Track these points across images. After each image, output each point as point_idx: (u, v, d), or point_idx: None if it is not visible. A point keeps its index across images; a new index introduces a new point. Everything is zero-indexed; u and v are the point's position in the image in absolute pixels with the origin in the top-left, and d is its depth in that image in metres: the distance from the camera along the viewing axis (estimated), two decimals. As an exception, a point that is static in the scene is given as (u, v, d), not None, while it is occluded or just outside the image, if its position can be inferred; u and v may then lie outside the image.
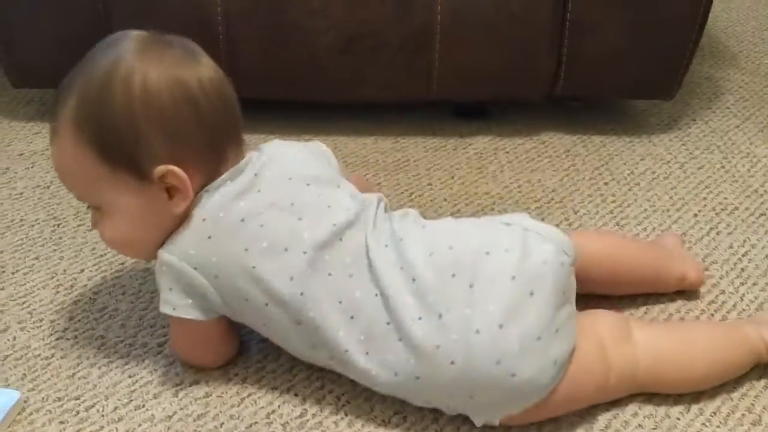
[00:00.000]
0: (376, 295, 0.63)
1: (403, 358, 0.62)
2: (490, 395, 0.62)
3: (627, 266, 0.78)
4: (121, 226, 0.66)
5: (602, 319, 0.69)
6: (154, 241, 0.66)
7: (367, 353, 0.63)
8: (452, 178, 1.04)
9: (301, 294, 0.63)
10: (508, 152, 1.10)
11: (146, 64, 0.63)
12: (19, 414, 0.67)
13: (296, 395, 0.70)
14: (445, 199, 0.99)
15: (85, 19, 1.04)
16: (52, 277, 0.84)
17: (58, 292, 0.82)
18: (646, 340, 0.68)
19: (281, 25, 1.02)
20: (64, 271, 0.85)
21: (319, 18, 1.01)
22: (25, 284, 0.83)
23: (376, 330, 0.63)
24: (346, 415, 0.68)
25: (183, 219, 0.66)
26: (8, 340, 0.76)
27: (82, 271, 0.85)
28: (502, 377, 0.61)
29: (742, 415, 0.68)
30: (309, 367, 0.72)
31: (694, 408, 0.69)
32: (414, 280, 0.63)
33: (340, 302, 0.64)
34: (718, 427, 0.67)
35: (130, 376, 0.72)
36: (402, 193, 1.00)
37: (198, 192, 0.65)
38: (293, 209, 0.66)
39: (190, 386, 0.71)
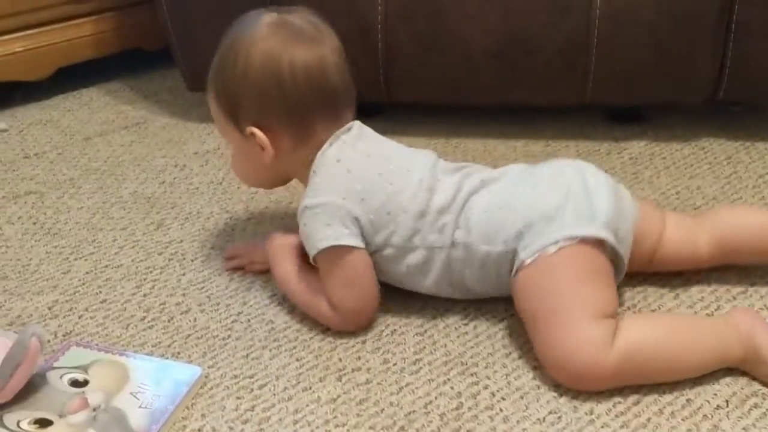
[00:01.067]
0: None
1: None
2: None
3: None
4: (240, 163, 0.85)
5: None
6: (265, 178, 0.85)
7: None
8: (606, 182, 1.03)
9: (430, 196, 0.77)
10: (665, 158, 1.07)
11: (252, 43, 0.77)
12: (201, 388, 0.74)
13: (452, 388, 0.73)
14: (599, 204, 0.98)
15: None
16: (226, 266, 0.92)
17: (232, 279, 0.89)
18: (630, 322, 0.72)
19: (437, 31, 1.06)
20: (237, 260, 0.92)
21: (475, 24, 1.04)
22: (203, 271, 0.91)
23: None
24: (501, 410, 0.70)
25: (286, 169, 0.82)
26: (190, 320, 0.83)
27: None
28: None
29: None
30: (464, 362, 0.75)
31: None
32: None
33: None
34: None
35: (297, 360, 0.77)
36: (554, 196, 1.01)
37: (286, 152, 0.80)
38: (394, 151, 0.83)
39: (352, 372, 0.75)
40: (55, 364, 0.75)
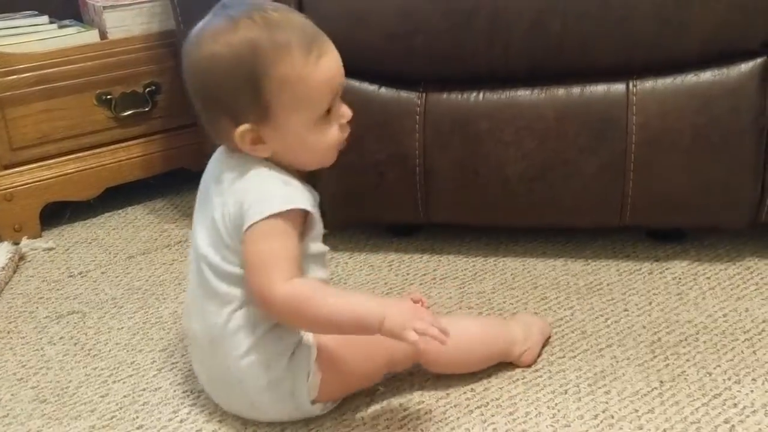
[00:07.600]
0: None
1: None
2: None
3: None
4: None
5: None
6: None
7: None
8: (650, 303, 1.01)
9: None
10: (709, 278, 1.06)
11: None
12: None
13: None
14: (644, 326, 0.96)
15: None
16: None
17: (269, 405, 0.88)
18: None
19: (474, 156, 1.07)
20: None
21: (512, 149, 1.05)
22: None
23: None
24: None
25: None
26: None
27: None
28: None
29: None
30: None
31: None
32: None
33: None
34: None
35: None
36: (597, 317, 0.99)
37: None
38: None
39: None
40: (90, 496, 0.74)
